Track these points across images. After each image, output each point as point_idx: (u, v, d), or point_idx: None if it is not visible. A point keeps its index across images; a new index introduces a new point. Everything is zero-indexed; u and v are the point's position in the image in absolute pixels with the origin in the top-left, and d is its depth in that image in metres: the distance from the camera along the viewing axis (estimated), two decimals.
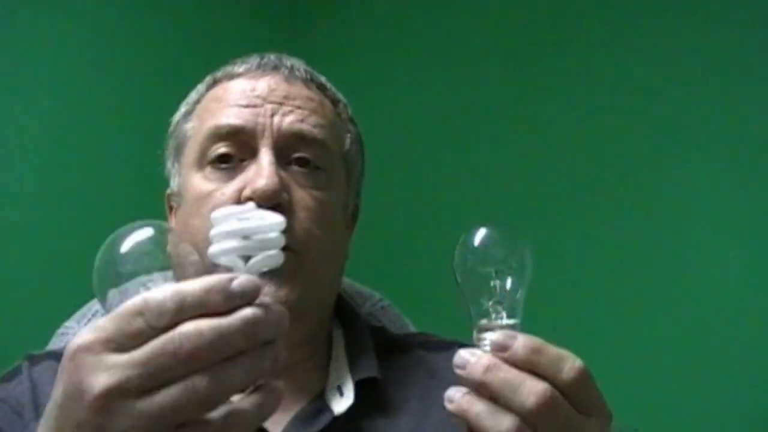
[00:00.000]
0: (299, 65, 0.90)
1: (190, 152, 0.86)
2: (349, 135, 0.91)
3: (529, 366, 0.55)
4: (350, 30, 2.59)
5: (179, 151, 0.89)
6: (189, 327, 0.49)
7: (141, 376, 0.48)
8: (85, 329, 0.52)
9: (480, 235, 0.61)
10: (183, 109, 0.92)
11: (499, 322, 0.60)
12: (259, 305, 0.50)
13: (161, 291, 0.49)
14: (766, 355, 1.78)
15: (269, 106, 0.83)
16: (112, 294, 0.54)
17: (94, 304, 1.07)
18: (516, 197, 2.17)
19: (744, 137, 1.86)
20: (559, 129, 2.12)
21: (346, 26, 2.60)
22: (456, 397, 0.57)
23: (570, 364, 0.56)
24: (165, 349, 0.48)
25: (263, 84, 0.85)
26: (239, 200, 0.79)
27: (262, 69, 0.87)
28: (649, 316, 1.95)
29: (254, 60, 0.89)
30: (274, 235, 0.54)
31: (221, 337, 0.49)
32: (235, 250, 0.54)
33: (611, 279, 2.01)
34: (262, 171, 0.79)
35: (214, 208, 0.75)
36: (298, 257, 0.75)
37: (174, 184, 0.90)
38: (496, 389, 0.55)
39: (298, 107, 0.84)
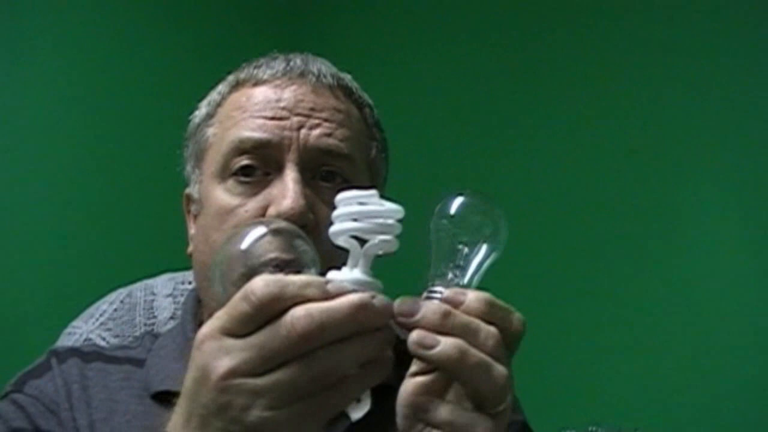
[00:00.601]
0: (326, 70, 0.86)
1: (212, 161, 0.84)
2: (375, 143, 0.88)
3: (484, 316, 0.56)
4: (353, 27, 2.58)
5: (200, 156, 0.87)
6: (299, 310, 0.52)
7: (258, 357, 0.52)
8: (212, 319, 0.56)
9: (458, 201, 0.61)
10: (204, 110, 0.89)
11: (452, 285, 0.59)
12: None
13: (263, 278, 0.54)
14: (766, 356, 1.79)
15: (296, 119, 0.81)
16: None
17: (101, 304, 1.07)
18: (524, 198, 2.17)
19: (744, 138, 1.87)
20: (568, 133, 2.12)
21: (351, 23, 2.59)
22: (441, 343, 0.55)
23: (517, 315, 0.57)
24: (278, 331, 0.52)
25: (289, 94, 0.82)
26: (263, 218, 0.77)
27: (288, 76, 0.84)
28: (649, 316, 1.95)
29: (279, 64, 0.85)
30: (391, 221, 0.57)
31: (330, 319, 0.52)
32: (353, 230, 0.57)
33: (613, 277, 2.02)
34: (287, 191, 0.77)
35: (236, 225, 0.78)
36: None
37: (194, 190, 0.88)
38: (458, 334, 0.55)
39: (326, 120, 0.82)
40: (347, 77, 0.89)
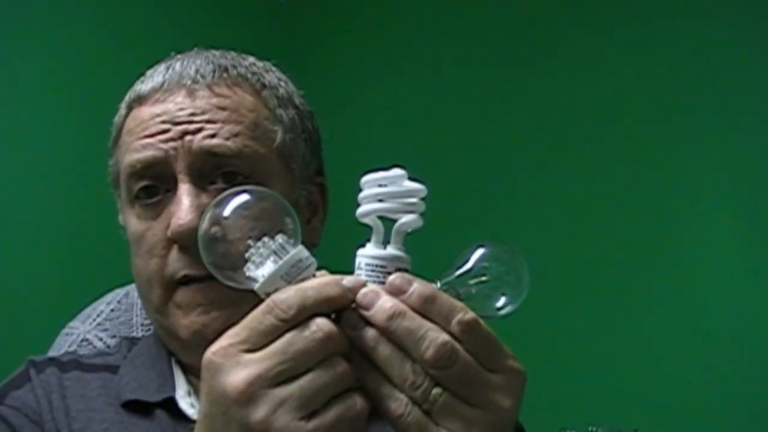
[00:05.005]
0: (205, 67, 0.83)
1: (123, 188, 0.85)
2: (280, 125, 0.84)
3: (424, 313, 0.56)
4: (351, 29, 2.58)
5: (116, 183, 0.87)
6: (322, 318, 0.55)
7: (280, 363, 0.53)
8: (220, 339, 0.56)
9: (478, 253, 0.62)
10: (113, 133, 0.89)
11: None
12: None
13: (284, 290, 0.56)
14: (766, 356, 1.79)
15: (178, 128, 0.80)
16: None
17: (99, 305, 1.07)
18: (524, 198, 2.18)
19: (744, 137, 1.87)
20: (563, 130, 2.12)
21: (347, 24, 2.59)
22: (369, 335, 0.57)
23: (460, 315, 0.56)
24: (301, 334, 0.54)
25: (168, 106, 0.81)
26: (168, 239, 0.79)
27: (165, 87, 0.82)
28: (649, 317, 1.96)
29: (158, 76, 0.84)
30: (413, 200, 0.60)
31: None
32: (382, 211, 0.59)
33: (613, 278, 2.02)
34: (179, 208, 0.77)
35: (149, 251, 0.80)
36: None
37: (120, 217, 0.88)
38: (398, 338, 0.56)
39: (208, 121, 0.80)
40: (245, 62, 0.87)
